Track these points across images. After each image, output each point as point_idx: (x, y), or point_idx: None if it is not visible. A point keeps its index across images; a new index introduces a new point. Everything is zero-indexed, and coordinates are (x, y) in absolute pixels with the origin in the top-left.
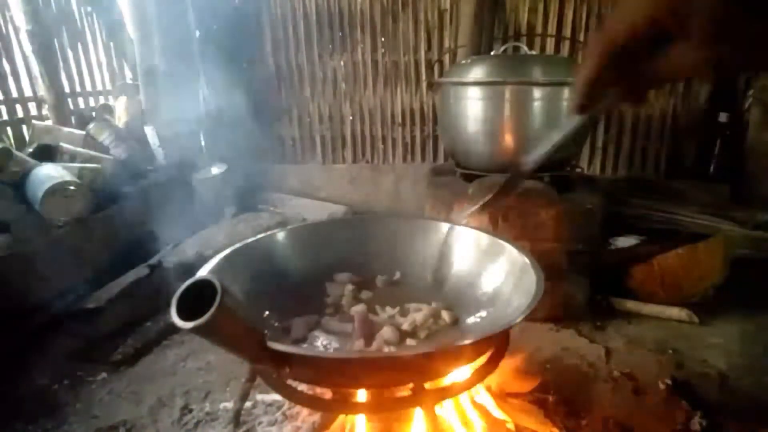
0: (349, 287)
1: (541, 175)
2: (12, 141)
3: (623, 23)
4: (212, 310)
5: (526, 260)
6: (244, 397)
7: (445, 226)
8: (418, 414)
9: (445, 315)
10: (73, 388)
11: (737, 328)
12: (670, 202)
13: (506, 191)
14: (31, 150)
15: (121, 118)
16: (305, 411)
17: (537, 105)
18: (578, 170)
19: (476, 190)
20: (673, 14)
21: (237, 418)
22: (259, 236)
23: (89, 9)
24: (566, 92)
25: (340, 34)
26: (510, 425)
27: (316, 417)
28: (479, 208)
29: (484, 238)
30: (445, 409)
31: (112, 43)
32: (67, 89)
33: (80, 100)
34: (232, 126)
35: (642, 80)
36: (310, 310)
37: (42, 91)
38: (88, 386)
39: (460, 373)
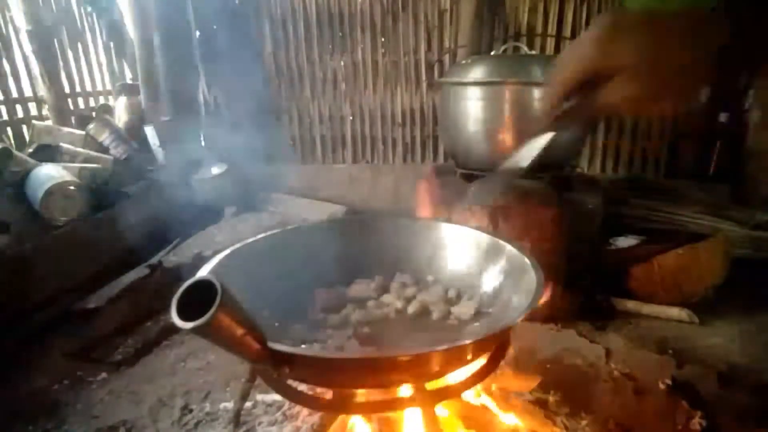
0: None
1: (540, 175)
2: (12, 141)
3: (571, 64)
4: (212, 310)
5: (526, 260)
6: (244, 397)
7: (445, 226)
8: (418, 414)
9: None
10: (73, 388)
11: (737, 328)
12: (670, 202)
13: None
14: (31, 150)
15: (121, 118)
16: (305, 411)
17: (537, 105)
18: (578, 170)
19: (477, 190)
20: (606, 63)
21: (237, 418)
22: (259, 236)
23: (89, 9)
24: None
25: (340, 34)
26: (510, 425)
27: (316, 417)
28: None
29: (484, 238)
30: (445, 409)
31: (112, 43)
32: (67, 89)
33: (80, 100)
34: (232, 126)
35: (588, 106)
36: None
37: (42, 91)
38: (88, 386)
39: (461, 373)
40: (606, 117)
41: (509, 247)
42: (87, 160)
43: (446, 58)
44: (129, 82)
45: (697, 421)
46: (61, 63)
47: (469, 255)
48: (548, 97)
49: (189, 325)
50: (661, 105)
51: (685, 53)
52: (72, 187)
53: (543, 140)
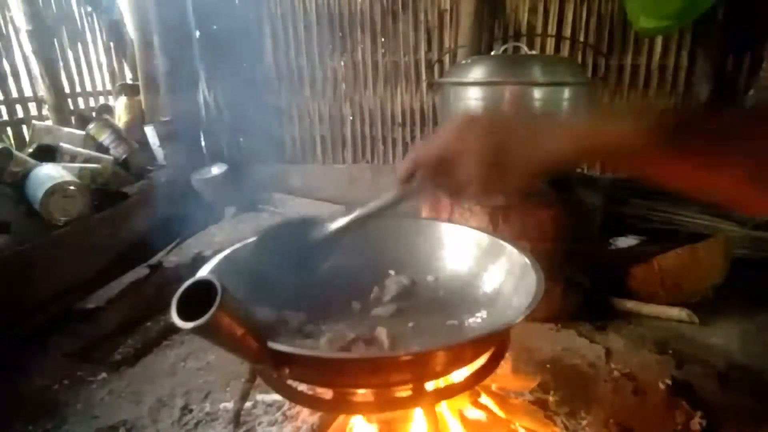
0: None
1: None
2: (12, 141)
3: (426, 148)
4: (212, 310)
5: (526, 260)
6: (244, 397)
7: (445, 226)
8: (418, 414)
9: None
10: (73, 388)
11: (737, 328)
12: (670, 202)
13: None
14: (31, 150)
15: (121, 118)
16: (305, 411)
17: (537, 105)
18: (578, 170)
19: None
20: (453, 147)
21: (237, 418)
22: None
23: (89, 9)
24: (566, 92)
25: (340, 34)
26: (510, 425)
27: (316, 417)
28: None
29: (484, 238)
30: (445, 409)
31: (112, 43)
32: (67, 89)
33: (80, 100)
34: (232, 126)
35: (435, 183)
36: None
37: (42, 91)
38: (88, 386)
39: (461, 373)
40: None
41: (509, 247)
42: (87, 160)
43: (446, 58)
44: (129, 82)
45: (697, 421)
46: (61, 63)
47: (469, 255)
48: (400, 171)
49: (189, 325)
50: (497, 189)
51: (519, 154)
52: (72, 187)
53: (384, 202)
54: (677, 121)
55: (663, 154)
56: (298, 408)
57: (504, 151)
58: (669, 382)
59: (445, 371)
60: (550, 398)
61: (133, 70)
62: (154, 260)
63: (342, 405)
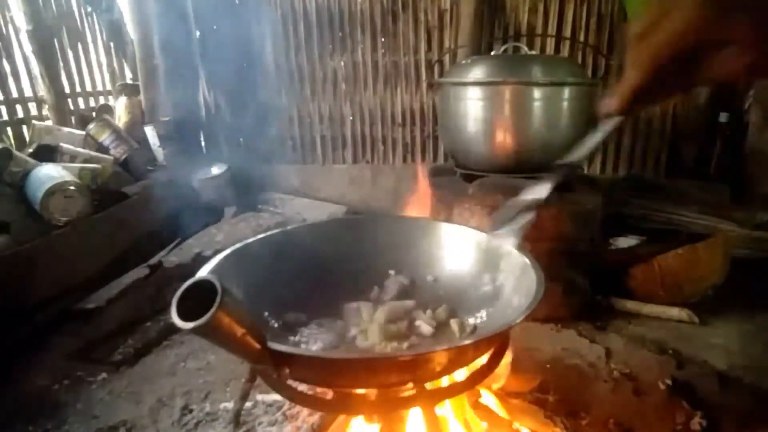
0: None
1: (540, 175)
2: (12, 141)
3: (667, 34)
4: (212, 310)
5: (526, 260)
6: (244, 397)
7: (445, 226)
8: (418, 414)
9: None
10: (73, 388)
11: (737, 328)
12: (670, 202)
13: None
14: (31, 150)
15: (121, 118)
16: (305, 411)
17: (537, 105)
18: (578, 170)
19: (476, 190)
20: (717, 24)
21: (237, 419)
22: (259, 236)
23: (89, 9)
24: (566, 92)
25: (340, 34)
26: (510, 425)
27: (316, 417)
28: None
29: (484, 238)
30: (445, 409)
31: (112, 43)
32: (67, 89)
33: (80, 101)
34: (232, 126)
35: (683, 85)
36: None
37: (42, 91)
38: (88, 386)
39: (461, 373)
40: None
41: (509, 247)
42: (87, 160)
43: (446, 58)
44: (129, 82)
45: (697, 421)
46: (61, 63)
47: (469, 255)
48: (633, 77)
49: (189, 325)
50: None
51: None
52: (72, 187)
53: (608, 127)
54: None
55: None
56: (298, 408)
57: None
58: (669, 382)
59: (446, 371)
60: (550, 398)
61: (133, 70)
62: (154, 260)
63: (342, 405)
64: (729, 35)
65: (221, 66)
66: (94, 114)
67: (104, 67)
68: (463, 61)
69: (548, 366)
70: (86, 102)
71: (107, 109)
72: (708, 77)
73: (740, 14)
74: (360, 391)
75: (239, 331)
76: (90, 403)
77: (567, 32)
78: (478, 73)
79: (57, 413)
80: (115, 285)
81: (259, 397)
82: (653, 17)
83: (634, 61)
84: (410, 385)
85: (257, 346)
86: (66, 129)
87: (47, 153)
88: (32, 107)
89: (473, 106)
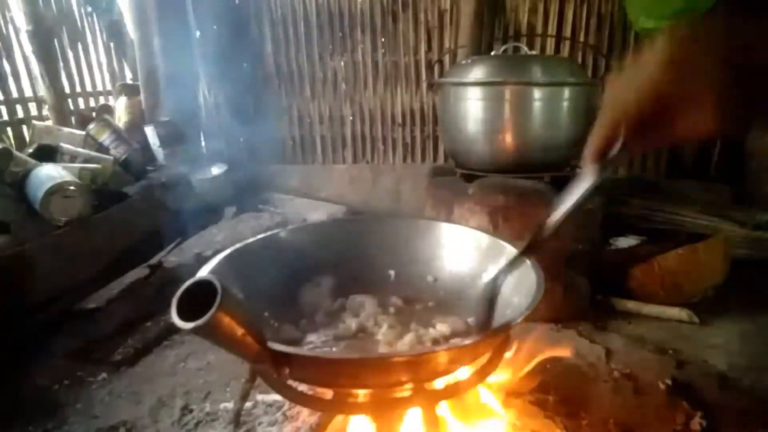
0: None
1: (540, 175)
2: (12, 141)
3: (635, 96)
4: (212, 310)
5: (527, 260)
6: (245, 397)
7: (445, 226)
8: (418, 414)
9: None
10: (73, 388)
11: (737, 328)
12: (670, 202)
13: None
14: (31, 150)
15: (121, 118)
16: (305, 411)
17: (537, 105)
18: (578, 170)
19: (476, 190)
20: (678, 90)
21: (237, 419)
22: (259, 236)
23: (89, 9)
24: (566, 92)
25: (340, 34)
26: (510, 425)
27: (316, 417)
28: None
29: (484, 238)
30: (445, 409)
31: (112, 43)
32: (67, 89)
33: (80, 101)
34: (232, 126)
35: (648, 143)
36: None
37: (42, 91)
38: (88, 386)
39: (461, 373)
40: None
41: (509, 247)
42: (87, 160)
43: (446, 58)
44: (129, 82)
45: (697, 421)
46: (61, 63)
47: (469, 255)
48: (593, 147)
49: (189, 325)
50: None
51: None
52: (72, 188)
53: (582, 190)
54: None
55: None
56: (298, 408)
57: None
58: (669, 382)
59: (445, 371)
60: (550, 398)
61: (133, 70)
62: (154, 260)
63: (342, 405)
64: (689, 101)
65: (221, 66)
66: (94, 114)
67: (104, 67)
68: (463, 61)
69: (548, 366)
70: (86, 102)
71: (107, 109)
72: (675, 137)
73: (699, 83)
74: (360, 391)
75: (239, 331)
76: (90, 403)
77: (567, 32)
78: (478, 73)
79: (57, 413)
80: (115, 285)
81: (259, 397)
82: (625, 79)
83: (605, 117)
84: (410, 385)
85: (257, 346)
86: (66, 129)
87: (47, 153)
88: (32, 107)
89: (473, 106)
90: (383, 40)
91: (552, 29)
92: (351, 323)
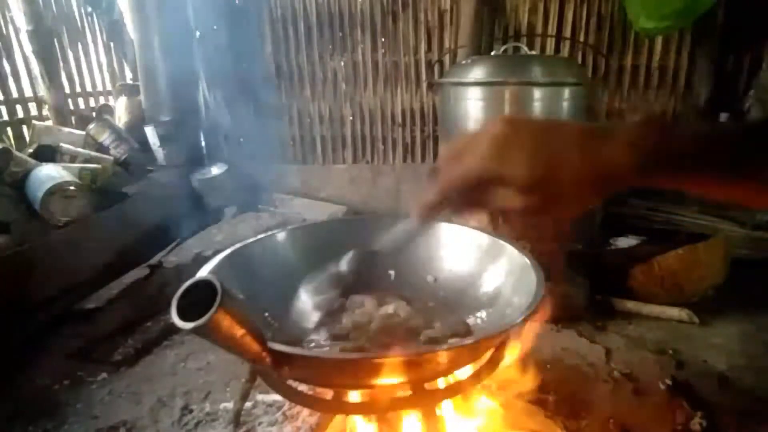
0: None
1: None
2: (12, 141)
3: (462, 168)
4: (212, 310)
5: (526, 260)
6: (244, 397)
7: (445, 226)
8: (418, 414)
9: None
10: (73, 388)
11: (737, 328)
12: (670, 202)
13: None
14: (31, 150)
15: (121, 118)
16: (305, 411)
17: (537, 105)
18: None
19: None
20: (496, 171)
21: (237, 419)
22: (259, 236)
23: (89, 9)
24: (566, 92)
25: (340, 34)
26: (510, 425)
27: (316, 417)
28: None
29: (484, 238)
30: (445, 409)
31: (112, 43)
32: (67, 90)
33: (80, 101)
34: (232, 126)
35: (477, 206)
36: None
37: (42, 91)
38: (88, 386)
39: (461, 373)
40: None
41: (509, 247)
42: (87, 160)
43: (446, 58)
44: (129, 82)
45: (697, 421)
46: (61, 63)
47: (469, 255)
48: (424, 202)
49: (189, 325)
50: (556, 212)
51: (582, 167)
52: (72, 188)
53: (407, 230)
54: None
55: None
56: (298, 408)
57: (561, 160)
58: (669, 382)
59: (446, 372)
60: (550, 398)
61: (133, 70)
62: (154, 260)
63: (342, 405)
64: (506, 180)
65: (221, 66)
66: (94, 114)
67: (104, 67)
68: (463, 61)
69: (548, 366)
70: (86, 102)
71: (107, 109)
72: (493, 206)
73: (515, 167)
74: (359, 391)
75: (239, 331)
76: (90, 403)
77: (567, 32)
78: (478, 73)
79: (57, 413)
80: (115, 285)
81: (259, 397)
82: (457, 151)
83: (438, 181)
84: (410, 385)
85: (257, 346)
86: (66, 129)
87: (47, 153)
88: (32, 107)
89: (473, 106)
90: (383, 40)
91: (552, 29)
92: (350, 322)
